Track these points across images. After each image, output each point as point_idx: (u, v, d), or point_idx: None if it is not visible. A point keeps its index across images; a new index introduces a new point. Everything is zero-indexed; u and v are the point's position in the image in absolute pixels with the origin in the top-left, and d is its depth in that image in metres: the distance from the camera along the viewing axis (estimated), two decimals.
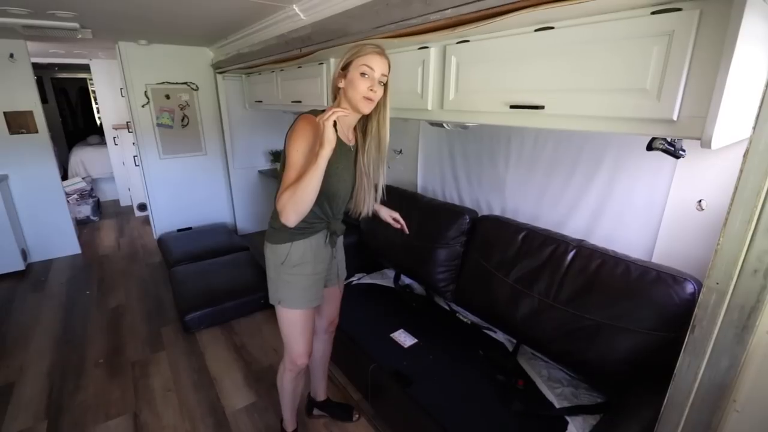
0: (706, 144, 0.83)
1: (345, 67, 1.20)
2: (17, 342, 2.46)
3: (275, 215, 1.34)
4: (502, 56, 1.20)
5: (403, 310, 2.09)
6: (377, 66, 1.18)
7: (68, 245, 3.79)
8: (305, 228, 1.32)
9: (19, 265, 3.36)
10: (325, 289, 1.53)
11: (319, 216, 1.33)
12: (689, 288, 1.23)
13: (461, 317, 2.02)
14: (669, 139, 1.09)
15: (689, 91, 0.85)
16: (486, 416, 1.41)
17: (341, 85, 1.22)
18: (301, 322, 1.40)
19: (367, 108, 1.21)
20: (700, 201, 1.32)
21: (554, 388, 1.52)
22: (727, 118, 0.81)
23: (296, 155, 1.16)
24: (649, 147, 1.13)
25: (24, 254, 3.44)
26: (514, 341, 1.77)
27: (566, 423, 1.35)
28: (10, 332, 2.57)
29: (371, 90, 1.18)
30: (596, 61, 0.98)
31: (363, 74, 1.17)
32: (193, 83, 3.65)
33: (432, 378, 1.60)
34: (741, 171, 0.69)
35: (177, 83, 3.58)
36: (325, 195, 1.24)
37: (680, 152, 1.12)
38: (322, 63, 2.11)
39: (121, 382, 2.12)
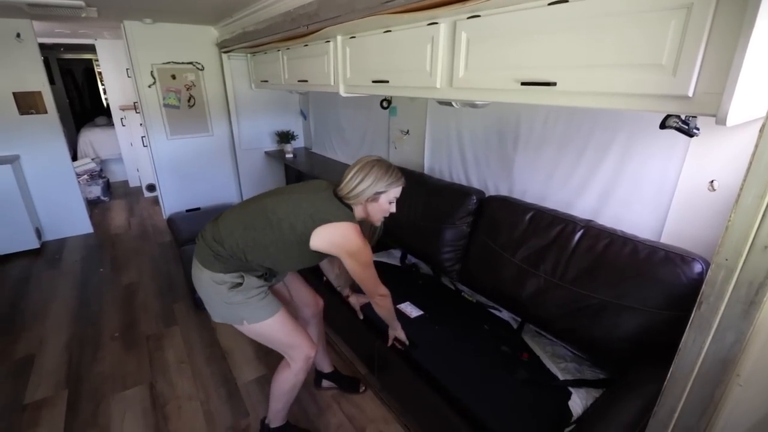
0: (721, 121, 0.81)
1: (377, 193, 1.34)
2: (36, 316, 2.55)
3: (220, 240, 1.32)
4: (514, 31, 1.17)
5: (410, 287, 2.11)
6: (400, 193, 1.41)
7: (80, 224, 3.86)
8: (251, 269, 1.36)
9: (34, 244, 3.45)
10: (280, 285, 1.59)
11: (268, 269, 1.40)
12: (697, 267, 1.23)
13: (466, 296, 2.05)
14: (683, 117, 1.08)
15: (706, 67, 0.83)
16: (491, 383, 1.45)
17: (368, 202, 1.36)
18: (283, 324, 1.39)
19: (380, 223, 1.45)
20: (712, 181, 1.30)
21: (558, 362, 1.55)
22: (743, 94, 0.80)
23: (371, 259, 1.35)
24: (663, 125, 1.11)
25: (38, 233, 3.52)
26: (519, 320, 1.80)
27: (569, 393, 1.39)
28: (29, 307, 2.66)
29: (390, 211, 1.41)
30: (611, 36, 0.96)
31: (390, 202, 1.39)
32: (199, 63, 3.62)
33: (437, 346, 1.64)
34: (756, 146, 0.68)
35: (183, 63, 3.56)
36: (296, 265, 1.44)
37: (694, 131, 1.10)
38: (328, 41, 2.08)
39: (137, 354, 2.20)
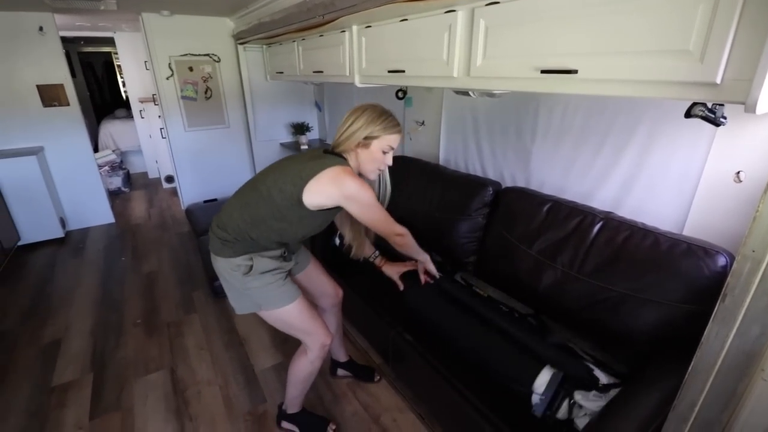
0: (750, 108, 0.79)
1: (368, 137, 1.27)
2: (61, 303, 2.64)
3: (223, 225, 1.34)
4: (534, 18, 1.15)
5: None
6: (396, 144, 1.31)
7: (103, 215, 3.97)
8: (263, 248, 1.36)
9: (59, 233, 3.56)
10: (301, 274, 1.58)
11: (281, 244, 1.39)
12: (721, 261, 1.20)
13: (478, 290, 2.04)
14: (709, 105, 1.04)
15: (735, 52, 0.80)
16: (528, 331, 1.52)
17: (359, 148, 1.29)
18: (300, 312, 1.39)
19: (374, 176, 1.36)
20: (738, 173, 1.26)
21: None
22: None
23: (374, 199, 1.28)
24: (688, 114, 1.08)
25: (62, 222, 3.63)
26: (532, 312, 1.78)
27: (592, 369, 1.38)
28: (55, 293, 2.76)
29: (385, 163, 1.33)
30: (636, 21, 0.93)
31: (384, 152, 1.30)
32: (215, 55, 3.65)
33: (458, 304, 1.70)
34: None
35: (199, 55, 3.59)
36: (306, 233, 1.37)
37: (721, 120, 1.07)
38: (344, 31, 2.07)
39: (158, 340, 2.27)
